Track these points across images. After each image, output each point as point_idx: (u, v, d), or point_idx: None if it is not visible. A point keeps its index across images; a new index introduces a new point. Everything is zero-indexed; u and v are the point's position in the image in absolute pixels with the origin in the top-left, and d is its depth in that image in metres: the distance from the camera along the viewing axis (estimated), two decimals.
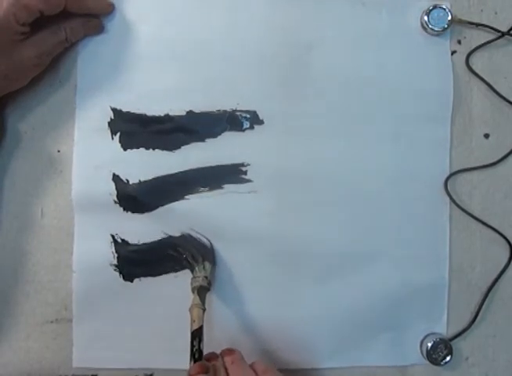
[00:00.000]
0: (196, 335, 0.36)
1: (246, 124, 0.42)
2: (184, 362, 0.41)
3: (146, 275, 0.41)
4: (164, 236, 0.41)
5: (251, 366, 0.36)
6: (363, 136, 0.42)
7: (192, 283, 0.40)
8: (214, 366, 0.35)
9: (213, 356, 0.37)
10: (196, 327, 0.36)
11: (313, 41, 0.42)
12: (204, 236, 0.41)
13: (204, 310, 0.37)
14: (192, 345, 0.35)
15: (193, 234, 0.41)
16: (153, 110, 0.41)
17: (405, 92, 0.43)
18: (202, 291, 0.39)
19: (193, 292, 0.39)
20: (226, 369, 0.35)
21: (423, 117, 0.43)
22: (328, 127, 0.42)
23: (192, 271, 0.40)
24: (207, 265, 0.40)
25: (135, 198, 0.41)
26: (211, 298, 0.41)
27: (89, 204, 0.41)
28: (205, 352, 0.37)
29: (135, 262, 0.41)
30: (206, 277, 0.39)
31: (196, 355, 0.35)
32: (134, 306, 0.41)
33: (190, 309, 0.37)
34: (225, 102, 0.42)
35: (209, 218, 0.41)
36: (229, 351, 0.37)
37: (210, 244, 0.41)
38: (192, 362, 0.35)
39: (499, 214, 0.43)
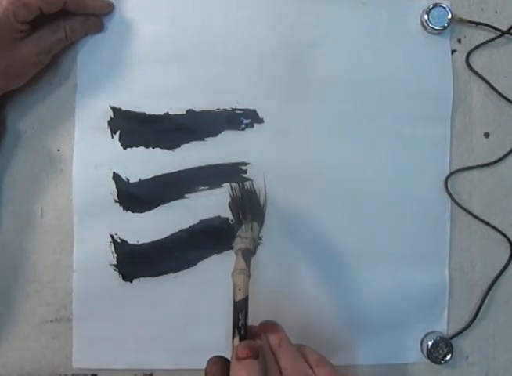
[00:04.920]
0: (243, 307, 0.30)
1: (246, 123, 0.42)
2: (183, 362, 0.40)
3: (145, 275, 0.41)
4: (174, 231, 0.41)
5: (300, 351, 0.31)
6: (363, 135, 0.42)
7: (236, 244, 0.35)
8: (262, 349, 0.30)
9: (255, 332, 0.32)
10: (241, 296, 0.31)
11: (313, 41, 0.42)
12: (264, 192, 0.38)
13: (249, 277, 0.32)
14: (238, 319, 0.30)
15: (256, 186, 0.38)
16: (152, 109, 0.41)
17: (405, 91, 0.43)
18: (247, 255, 0.33)
19: (236, 254, 0.34)
20: (273, 352, 0.31)
21: (423, 116, 0.43)
22: (328, 126, 0.42)
23: (237, 229, 0.36)
24: (256, 226, 0.35)
25: (135, 197, 0.41)
26: None
27: (89, 203, 0.41)
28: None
29: (134, 261, 0.41)
30: (253, 239, 0.35)
31: (242, 331, 0.30)
32: (133, 306, 0.41)
33: (234, 275, 0.32)
34: (224, 101, 0.42)
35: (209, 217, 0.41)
36: (272, 326, 0.32)
37: (265, 203, 0.38)
38: (237, 338, 0.30)
39: (500, 213, 0.43)
